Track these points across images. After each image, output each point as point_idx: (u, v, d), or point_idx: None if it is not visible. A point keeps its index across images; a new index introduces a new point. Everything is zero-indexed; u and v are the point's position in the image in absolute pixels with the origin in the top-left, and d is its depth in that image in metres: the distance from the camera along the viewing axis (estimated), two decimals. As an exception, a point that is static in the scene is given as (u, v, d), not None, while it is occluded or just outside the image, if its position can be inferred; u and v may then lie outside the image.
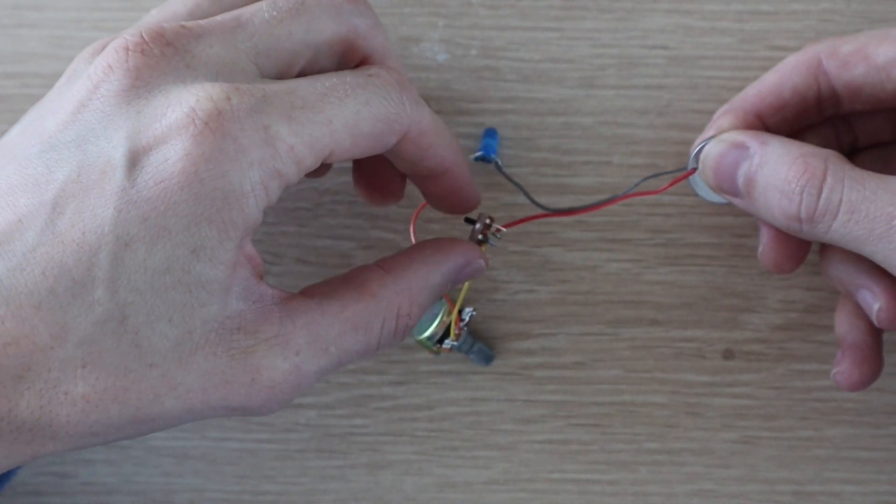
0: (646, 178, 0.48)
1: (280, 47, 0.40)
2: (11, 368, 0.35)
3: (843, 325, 0.47)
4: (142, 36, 0.38)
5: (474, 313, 0.48)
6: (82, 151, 0.37)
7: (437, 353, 0.48)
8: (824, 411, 0.50)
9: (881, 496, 0.50)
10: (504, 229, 0.46)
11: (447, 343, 0.47)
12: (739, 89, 0.47)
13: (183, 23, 0.39)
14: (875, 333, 0.46)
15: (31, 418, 0.36)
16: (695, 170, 0.46)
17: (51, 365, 0.35)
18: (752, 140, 0.43)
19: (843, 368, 0.46)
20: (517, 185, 0.48)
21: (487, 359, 0.50)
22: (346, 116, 0.39)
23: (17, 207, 0.36)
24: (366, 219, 0.50)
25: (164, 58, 0.38)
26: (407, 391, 0.51)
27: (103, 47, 0.39)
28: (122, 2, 0.50)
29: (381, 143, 0.40)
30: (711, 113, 0.47)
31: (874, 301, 0.44)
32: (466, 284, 0.47)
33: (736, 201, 0.44)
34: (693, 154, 0.45)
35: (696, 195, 0.47)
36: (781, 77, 0.45)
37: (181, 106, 0.36)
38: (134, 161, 0.36)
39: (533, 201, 0.47)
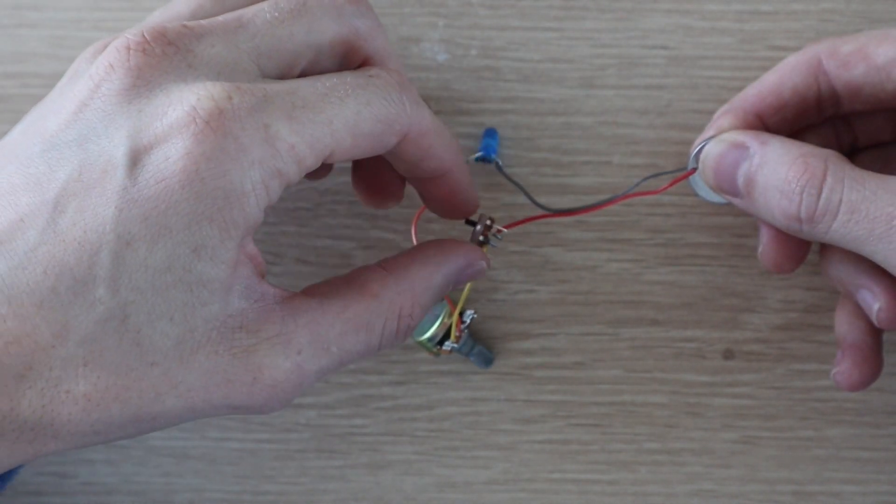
0: (646, 178, 0.48)
1: (281, 48, 0.40)
2: (13, 367, 0.35)
3: (843, 325, 0.47)
4: (143, 35, 0.38)
5: (475, 315, 0.48)
6: (84, 150, 0.37)
7: (438, 354, 0.48)
8: (824, 411, 0.50)
9: (881, 496, 0.50)
10: (505, 230, 0.46)
11: (447, 345, 0.47)
12: (739, 89, 0.47)
13: (185, 23, 0.39)
14: (875, 333, 0.46)
15: (32, 417, 0.36)
16: (695, 170, 0.46)
17: (52, 364, 0.35)
18: (752, 140, 0.43)
19: (843, 368, 0.46)
20: (517, 185, 0.49)
21: (487, 361, 0.50)
22: (346, 116, 0.39)
23: (18, 206, 0.36)
24: (366, 219, 0.50)
25: (165, 57, 0.38)
26: (407, 391, 0.51)
27: (105, 47, 0.39)
28: (122, 2, 0.50)
29: (382, 143, 0.40)
30: (711, 113, 0.47)
31: (874, 301, 0.44)
32: (468, 287, 0.47)
33: (736, 201, 0.44)
34: (693, 154, 0.45)
35: (696, 195, 0.47)
36: (781, 77, 0.45)
37: (182, 105, 0.37)
38: (135, 160, 0.36)
39: (533, 201, 0.48)
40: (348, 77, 0.40)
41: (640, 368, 0.50)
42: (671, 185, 0.46)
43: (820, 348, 0.50)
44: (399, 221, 0.50)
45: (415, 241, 0.47)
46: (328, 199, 0.50)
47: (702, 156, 0.45)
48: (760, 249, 0.46)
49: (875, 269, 0.44)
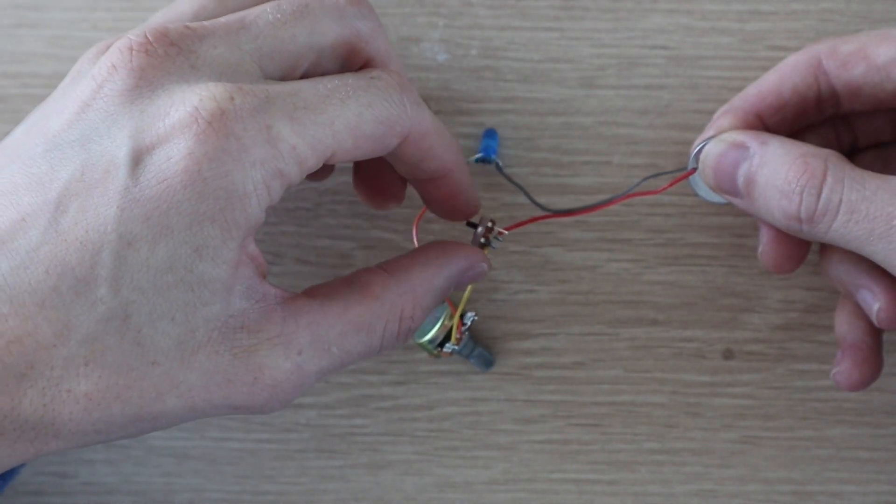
0: (646, 178, 0.48)
1: (284, 49, 0.40)
2: (15, 366, 0.35)
3: (843, 325, 0.47)
4: (146, 36, 0.38)
5: (476, 318, 0.48)
6: (86, 151, 0.37)
7: (438, 356, 0.48)
8: (824, 411, 0.50)
9: (881, 496, 0.50)
10: (506, 232, 0.47)
11: (448, 347, 0.47)
12: (739, 89, 0.47)
13: (187, 24, 0.39)
14: (875, 333, 0.46)
15: (34, 416, 0.36)
16: (695, 170, 0.46)
17: (53, 363, 0.36)
18: (751, 140, 0.43)
19: (843, 368, 0.46)
20: (518, 185, 0.49)
21: (487, 364, 0.50)
22: (348, 118, 0.39)
23: (20, 206, 0.36)
24: (366, 219, 0.50)
25: (168, 58, 0.38)
26: (407, 391, 0.51)
27: (108, 48, 0.39)
28: (122, 2, 0.50)
29: (383, 144, 0.40)
30: (711, 113, 0.47)
31: (874, 301, 0.44)
32: (469, 288, 0.47)
33: (736, 201, 0.44)
34: (693, 154, 0.45)
35: (696, 195, 0.47)
36: (781, 77, 0.45)
37: (184, 105, 0.37)
38: (137, 160, 0.36)
39: (534, 202, 0.48)
40: (350, 79, 0.40)
41: (639, 368, 0.50)
42: (671, 185, 0.46)
43: (820, 348, 0.50)
44: (399, 222, 0.50)
45: (415, 242, 0.47)
46: (328, 199, 0.50)
47: (702, 156, 0.45)
48: (760, 249, 0.46)
49: (875, 269, 0.44)
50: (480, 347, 0.50)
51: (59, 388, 0.36)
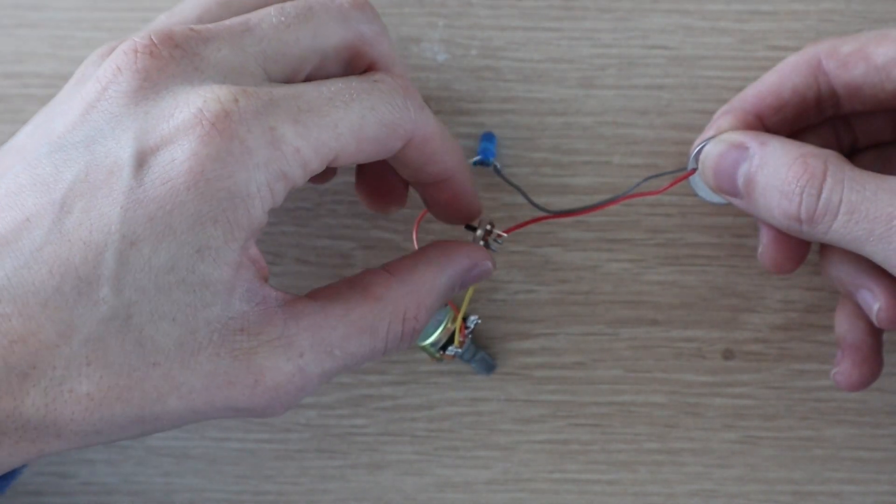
0: (646, 179, 0.48)
1: (288, 52, 0.40)
2: (18, 366, 0.35)
3: (843, 325, 0.47)
4: (151, 38, 0.38)
5: (479, 321, 0.48)
6: (90, 152, 0.37)
7: (440, 359, 0.48)
8: (824, 411, 0.50)
9: (881, 496, 0.50)
10: (505, 235, 0.47)
11: (451, 350, 0.47)
12: (739, 89, 0.47)
13: (192, 26, 0.39)
14: (875, 333, 0.46)
15: (36, 416, 0.36)
16: (695, 170, 0.46)
17: (56, 363, 0.36)
18: (751, 140, 0.43)
19: (843, 368, 0.46)
20: (516, 187, 0.49)
21: (489, 368, 0.50)
22: (351, 121, 0.39)
23: (25, 206, 0.36)
24: (366, 219, 0.50)
25: (172, 60, 0.38)
26: (407, 391, 0.51)
27: (112, 50, 0.39)
28: (122, 2, 0.50)
29: (386, 147, 0.40)
30: (711, 113, 0.47)
31: (874, 301, 0.44)
32: (470, 291, 0.47)
33: (736, 202, 0.44)
34: (693, 154, 0.45)
35: (696, 195, 0.47)
36: (781, 77, 0.45)
37: (189, 107, 0.37)
38: (141, 161, 0.36)
39: (533, 203, 0.48)
40: (353, 82, 0.40)
41: (640, 368, 0.50)
42: (671, 185, 0.46)
43: (820, 348, 0.50)
44: (399, 222, 0.50)
45: (415, 243, 0.47)
46: (328, 199, 0.50)
47: (702, 156, 0.45)
48: (760, 250, 0.46)
49: (875, 269, 0.44)
50: (483, 352, 0.50)
51: (62, 388, 0.36)
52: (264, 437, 0.51)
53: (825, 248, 0.47)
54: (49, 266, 0.36)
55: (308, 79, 0.41)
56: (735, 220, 0.50)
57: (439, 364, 0.50)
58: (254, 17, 0.40)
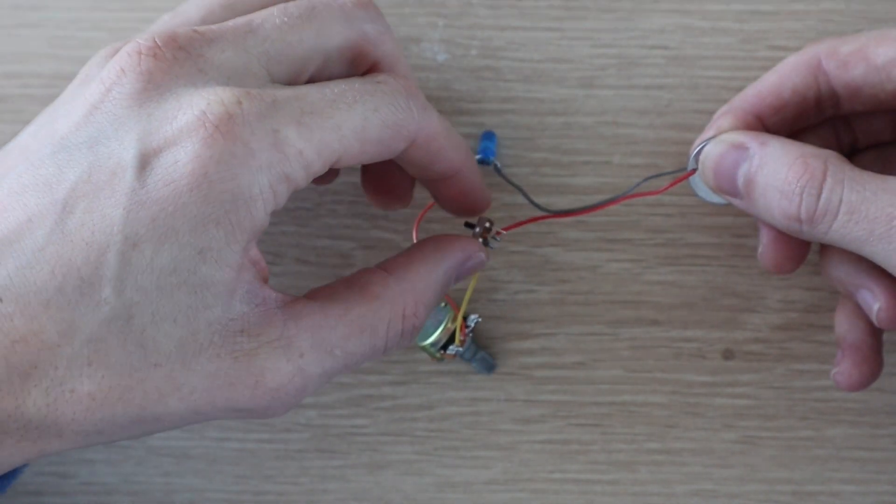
0: (646, 179, 0.48)
1: (291, 53, 0.40)
2: (19, 366, 0.35)
3: (843, 325, 0.47)
4: (154, 40, 0.38)
5: (479, 320, 0.48)
6: (93, 153, 0.37)
7: (441, 359, 0.48)
8: (824, 411, 0.50)
9: (881, 496, 0.50)
10: (504, 232, 0.47)
11: (452, 349, 0.47)
12: (739, 89, 0.47)
13: (195, 28, 0.39)
14: (875, 333, 0.46)
15: (37, 416, 0.36)
16: (695, 170, 0.46)
17: (58, 363, 0.36)
18: (751, 141, 0.43)
19: (843, 368, 0.46)
20: (517, 186, 0.49)
21: (490, 368, 0.50)
22: (354, 122, 0.39)
23: (27, 207, 0.36)
24: (366, 219, 0.50)
25: (176, 62, 0.38)
26: (407, 391, 0.51)
27: (116, 51, 0.39)
28: (122, 2, 0.50)
29: (390, 149, 0.40)
30: (711, 113, 0.47)
31: (874, 301, 0.45)
32: (471, 288, 0.47)
33: (736, 202, 0.44)
34: (693, 155, 0.45)
35: (696, 196, 0.47)
36: (781, 77, 0.46)
37: (192, 109, 0.37)
38: (144, 162, 0.36)
39: (532, 203, 0.48)
40: (356, 83, 0.40)
41: (640, 368, 0.50)
42: (671, 185, 0.46)
43: (820, 348, 0.50)
44: (399, 221, 0.50)
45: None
46: (328, 199, 0.50)
47: (701, 157, 0.45)
48: (760, 250, 0.46)
49: (875, 269, 0.44)
50: (483, 351, 0.50)
51: (63, 388, 0.36)
52: (264, 437, 0.51)
53: (825, 248, 0.47)
54: (51, 266, 0.36)
55: (312, 78, 0.41)
56: (735, 220, 0.50)
57: (439, 364, 0.50)
58: (257, 17, 0.40)
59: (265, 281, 0.40)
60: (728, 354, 0.50)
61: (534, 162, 0.50)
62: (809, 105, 0.45)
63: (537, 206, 0.47)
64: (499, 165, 0.49)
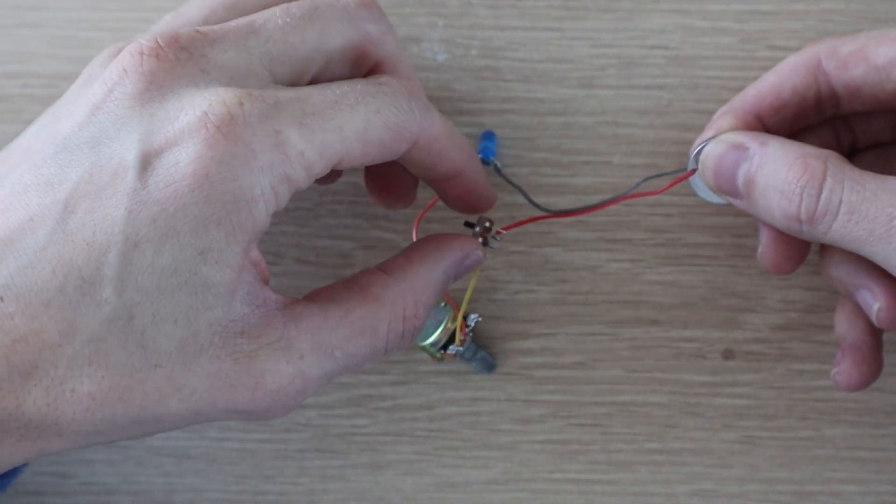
0: (646, 179, 0.48)
1: (293, 54, 0.40)
2: (20, 365, 0.35)
3: (843, 325, 0.47)
4: (157, 41, 0.38)
5: (479, 319, 0.48)
6: (95, 153, 0.37)
7: (441, 359, 0.48)
8: (824, 411, 0.50)
9: (881, 496, 0.50)
10: (504, 232, 0.47)
11: (452, 349, 0.47)
12: (739, 89, 0.47)
13: (198, 28, 0.39)
14: (875, 333, 0.46)
15: (37, 415, 0.36)
16: (695, 171, 0.46)
17: (58, 362, 0.36)
18: (751, 141, 0.43)
19: (843, 368, 0.46)
20: (517, 186, 0.49)
21: (490, 368, 0.50)
22: (356, 124, 0.39)
23: (29, 206, 0.36)
24: (366, 219, 0.50)
25: (178, 62, 0.38)
26: (407, 391, 0.51)
27: (119, 51, 0.39)
28: (122, 2, 0.50)
29: (392, 150, 0.40)
30: (711, 113, 0.47)
31: (874, 301, 0.45)
32: (469, 291, 0.47)
33: (736, 202, 0.44)
34: (693, 155, 0.45)
35: (696, 196, 0.47)
36: (781, 77, 0.46)
37: (194, 110, 0.37)
38: (146, 163, 0.36)
39: (532, 203, 0.48)
40: (358, 85, 0.40)
41: (640, 368, 0.50)
42: (671, 185, 0.46)
43: (820, 348, 0.50)
44: (399, 221, 0.50)
45: (415, 243, 0.48)
46: (328, 199, 0.50)
47: (701, 157, 0.45)
48: (760, 250, 0.46)
49: (875, 269, 0.44)
50: (483, 351, 0.50)
51: (63, 388, 0.36)
52: (264, 437, 0.51)
53: (825, 248, 0.47)
54: (52, 266, 0.36)
55: (314, 79, 0.41)
56: (735, 220, 0.50)
57: (439, 364, 0.50)
58: (259, 18, 0.40)
59: (266, 282, 0.40)
60: (728, 354, 0.50)
61: (534, 162, 0.50)
62: (809, 105, 0.45)
63: (537, 206, 0.47)
64: (499, 165, 0.49)
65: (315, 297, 0.41)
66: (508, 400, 0.51)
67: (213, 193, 0.36)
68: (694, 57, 0.50)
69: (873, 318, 0.45)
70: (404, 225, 0.50)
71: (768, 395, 0.50)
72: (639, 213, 0.50)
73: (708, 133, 0.45)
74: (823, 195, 0.41)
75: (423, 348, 0.47)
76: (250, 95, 0.37)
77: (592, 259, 0.50)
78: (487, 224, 0.46)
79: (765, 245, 0.46)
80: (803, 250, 0.46)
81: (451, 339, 0.47)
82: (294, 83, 0.40)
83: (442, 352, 0.47)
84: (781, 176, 0.42)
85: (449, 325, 0.47)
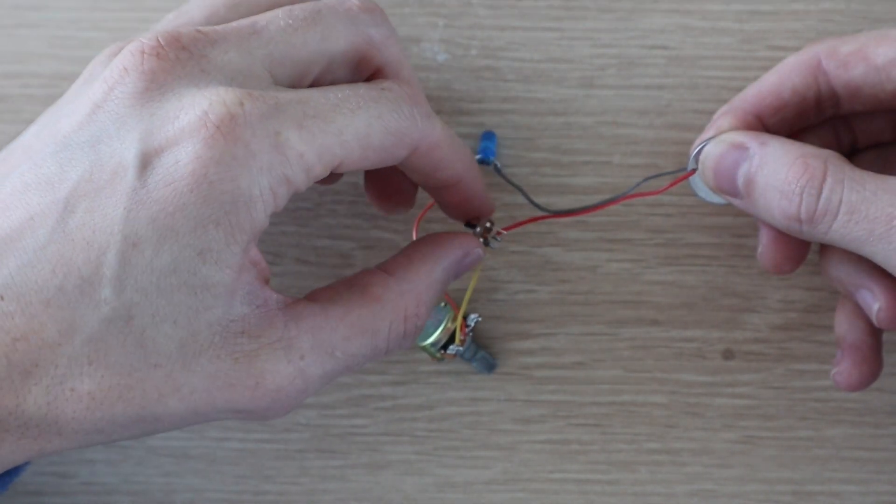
0: (646, 179, 0.48)
1: (295, 56, 0.40)
2: (20, 364, 0.35)
3: (843, 325, 0.47)
4: (158, 40, 0.38)
5: (479, 319, 0.48)
6: (95, 152, 0.37)
7: (441, 359, 0.48)
8: (824, 411, 0.50)
9: (881, 496, 0.50)
10: (504, 232, 0.47)
11: (452, 348, 0.47)
12: (739, 89, 0.47)
13: (199, 28, 0.39)
14: (875, 333, 0.46)
15: (37, 414, 0.36)
16: (695, 170, 0.46)
17: (58, 361, 0.36)
18: (751, 141, 0.43)
19: (843, 368, 0.46)
20: (516, 186, 0.49)
21: (490, 368, 0.50)
22: (357, 128, 0.39)
23: (29, 205, 0.36)
24: (366, 219, 0.50)
25: (179, 62, 0.38)
26: (407, 391, 0.51)
27: (119, 50, 0.39)
28: (122, 2, 0.50)
29: (392, 155, 0.40)
30: (711, 113, 0.47)
31: (874, 301, 0.45)
32: (469, 290, 0.47)
33: (736, 202, 0.44)
34: (693, 155, 0.45)
35: (696, 196, 0.47)
36: (781, 77, 0.45)
37: (194, 109, 0.37)
38: (145, 162, 0.36)
39: (533, 203, 0.48)
40: (361, 89, 0.40)
41: (640, 368, 0.50)
42: (671, 185, 0.46)
43: (820, 348, 0.50)
44: (399, 222, 0.50)
45: (414, 243, 0.48)
46: (328, 199, 0.50)
47: (701, 157, 0.45)
48: (760, 250, 0.46)
49: (875, 269, 0.44)
50: (483, 351, 0.50)
51: (63, 387, 0.36)
52: (264, 437, 0.51)
53: (825, 248, 0.47)
54: (52, 265, 0.36)
55: (315, 82, 0.41)
56: (735, 220, 0.50)
57: (439, 364, 0.50)
58: (261, 19, 0.40)
59: (266, 282, 0.40)
60: (728, 354, 0.50)
61: (534, 162, 0.50)
62: (809, 105, 0.45)
63: (537, 206, 0.47)
64: (499, 165, 0.49)
65: (316, 297, 0.41)
66: (508, 400, 0.51)
67: (212, 193, 0.36)
68: (694, 57, 0.50)
69: (873, 318, 0.45)
70: (404, 225, 0.50)
71: (768, 395, 0.50)
72: (639, 213, 0.50)
73: (708, 133, 0.45)
74: (823, 195, 0.41)
75: (423, 348, 0.47)
76: (251, 96, 0.37)
77: (592, 259, 0.50)
78: (488, 224, 0.46)
79: (765, 245, 0.46)
80: (803, 250, 0.46)
81: (451, 339, 0.47)
82: (295, 85, 0.40)
83: (442, 352, 0.47)
84: (781, 176, 0.42)
85: (449, 325, 0.47)
